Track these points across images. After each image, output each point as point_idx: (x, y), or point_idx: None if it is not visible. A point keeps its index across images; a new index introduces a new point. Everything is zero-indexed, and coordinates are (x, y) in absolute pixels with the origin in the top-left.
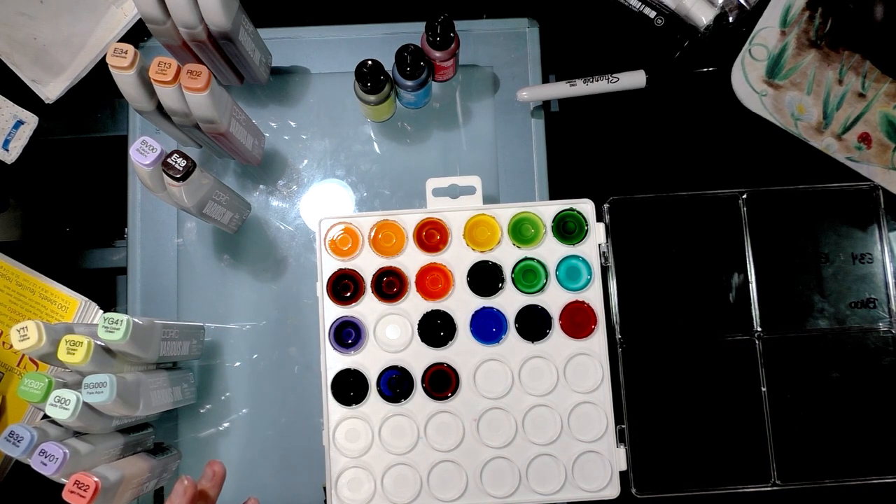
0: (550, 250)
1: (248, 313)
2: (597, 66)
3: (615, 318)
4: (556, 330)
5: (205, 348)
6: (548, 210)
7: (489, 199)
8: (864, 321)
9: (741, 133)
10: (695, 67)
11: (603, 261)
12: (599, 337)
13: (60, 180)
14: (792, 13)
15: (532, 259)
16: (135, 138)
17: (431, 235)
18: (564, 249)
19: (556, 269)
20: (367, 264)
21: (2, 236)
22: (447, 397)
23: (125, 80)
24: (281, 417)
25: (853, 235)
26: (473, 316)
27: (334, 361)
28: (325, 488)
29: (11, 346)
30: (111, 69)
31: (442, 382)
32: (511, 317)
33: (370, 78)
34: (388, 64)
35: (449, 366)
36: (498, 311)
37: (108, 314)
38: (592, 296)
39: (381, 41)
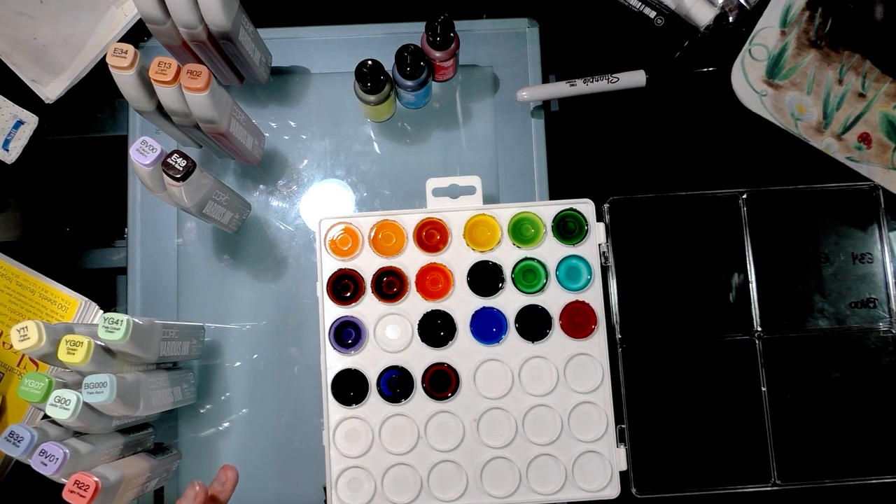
0: (550, 250)
1: (248, 313)
2: (597, 66)
3: (615, 318)
4: (557, 330)
5: (205, 348)
6: (548, 210)
7: (489, 199)
8: (864, 321)
9: (741, 133)
10: (695, 67)
11: (603, 261)
12: (599, 337)
13: (60, 180)
14: (792, 13)
15: (532, 259)
16: (135, 138)
17: (431, 235)
18: (564, 249)
19: (556, 269)
20: (367, 264)
21: (2, 236)
22: (447, 397)
23: (125, 80)
24: (281, 417)
25: (853, 235)
26: (473, 316)
27: (334, 361)
28: (325, 488)
29: (11, 346)
30: (111, 69)
31: (442, 382)
32: (511, 317)
33: (370, 78)
34: (388, 64)
35: (449, 366)
36: (498, 311)
37: (108, 314)
38: (592, 296)
39: (381, 41)
